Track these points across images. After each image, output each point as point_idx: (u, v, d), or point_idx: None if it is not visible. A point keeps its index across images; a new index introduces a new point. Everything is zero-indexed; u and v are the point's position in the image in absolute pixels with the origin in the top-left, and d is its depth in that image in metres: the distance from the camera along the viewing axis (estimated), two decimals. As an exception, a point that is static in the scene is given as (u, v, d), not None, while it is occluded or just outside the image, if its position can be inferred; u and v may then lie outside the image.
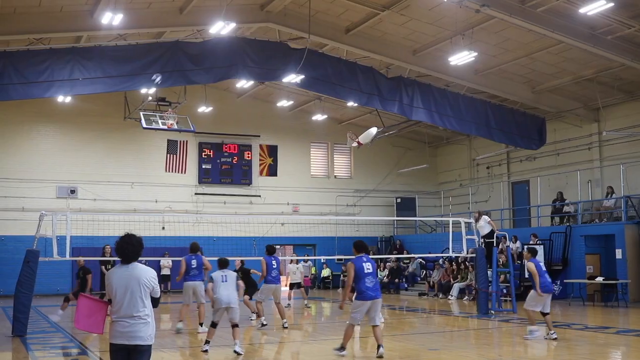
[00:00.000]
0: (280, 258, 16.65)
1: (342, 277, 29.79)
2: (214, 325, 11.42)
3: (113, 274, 5.95)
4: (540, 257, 22.06)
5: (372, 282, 10.57)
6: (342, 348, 10.73)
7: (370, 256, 11.37)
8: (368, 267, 10.64)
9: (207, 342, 11.41)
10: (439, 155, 34.01)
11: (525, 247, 14.50)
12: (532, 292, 13.01)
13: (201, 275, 14.44)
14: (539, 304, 12.84)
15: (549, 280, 13.09)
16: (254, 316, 16.09)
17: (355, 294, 10.79)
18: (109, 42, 19.66)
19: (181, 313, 14.60)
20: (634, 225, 21.11)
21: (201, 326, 14.08)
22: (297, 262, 22.28)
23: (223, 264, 11.92)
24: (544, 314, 12.97)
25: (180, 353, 12.05)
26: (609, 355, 11.77)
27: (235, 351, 11.06)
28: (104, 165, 28.01)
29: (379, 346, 10.63)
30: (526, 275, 18.82)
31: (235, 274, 11.96)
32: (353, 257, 10.90)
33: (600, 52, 20.11)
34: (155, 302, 6.01)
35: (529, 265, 13.10)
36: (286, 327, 14.59)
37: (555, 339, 12.58)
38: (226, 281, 11.52)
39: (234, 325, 11.33)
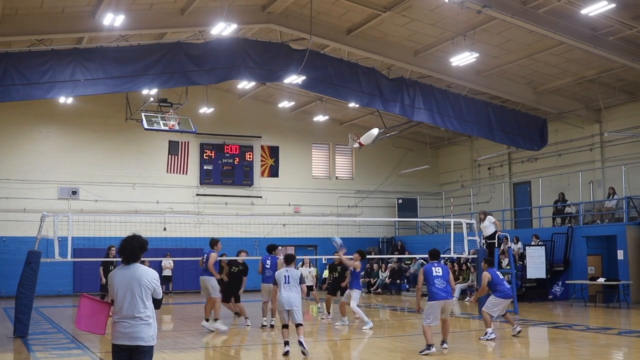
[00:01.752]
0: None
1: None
2: (285, 326, 11.10)
3: (114, 274, 5.97)
4: (541, 258, 22.14)
5: (442, 284, 11.26)
6: (429, 346, 10.96)
7: (372, 256, 11.66)
8: (437, 270, 11.38)
9: (285, 342, 10.98)
10: (440, 156, 34.00)
11: (483, 258, 15.12)
12: (491, 297, 13.42)
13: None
14: (498, 308, 13.31)
15: (508, 286, 13.62)
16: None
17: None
18: (110, 43, 19.67)
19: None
20: (636, 226, 21.08)
21: (207, 321, 14.60)
22: (310, 265, 22.25)
23: (288, 260, 11.55)
24: (503, 315, 13.67)
25: (182, 354, 12.04)
26: (611, 356, 11.75)
27: (299, 341, 10.76)
28: (105, 166, 28.03)
29: (442, 341, 11.37)
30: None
31: (299, 273, 11.33)
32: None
33: (602, 53, 20.11)
34: (157, 303, 6.02)
35: (484, 274, 13.53)
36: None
37: (520, 331, 13.32)
38: (288, 282, 11.07)
39: (298, 325, 11.01)
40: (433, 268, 11.43)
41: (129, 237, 5.99)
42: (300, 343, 10.73)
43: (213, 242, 15.11)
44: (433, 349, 10.92)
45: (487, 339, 12.81)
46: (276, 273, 11.54)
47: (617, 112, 24.70)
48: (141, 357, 5.86)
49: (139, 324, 5.82)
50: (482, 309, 13.62)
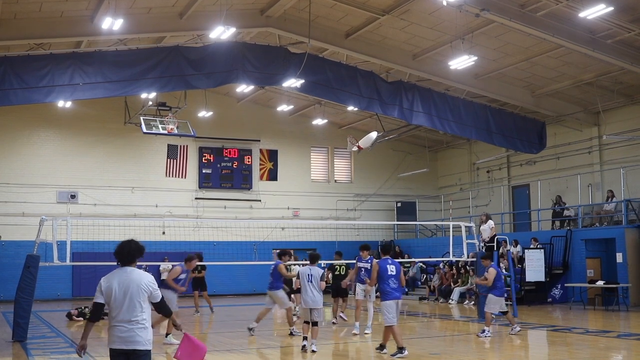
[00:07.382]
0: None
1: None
2: (307, 323, 11.89)
3: (111, 278, 5.97)
4: (540, 261, 22.14)
5: (395, 283, 11.24)
6: (400, 349, 11.02)
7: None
8: (392, 269, 11.33)
9: (304, 337, 11.96)
10: (439, 160, 34.00)
11: (482, 255, 15.74)
12: (490, 296, 14.02)
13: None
14: (497, 306, 14.05)
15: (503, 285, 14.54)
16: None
17: (380, 295, 11.50)
18: (109, 47, 19.67)
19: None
20: (635, 229, 21.08)
21: (166, 337, 13.31)
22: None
23: (313, 259, 12.20)
24: (504, 313, 14.42)
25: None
26: (610, 359, 11.74)
27: (312, 350, 11.69)
28: (104, 170, 28.01)
29: (381, 345, 11.50)
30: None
31: (321, 271, 11.98)
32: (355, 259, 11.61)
33: (600, 56, 20.12)
34: (163, 308, 6.10)
35: (491, 270, 14.11)
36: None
37: (519, 331, 14.23)
38: (311, 281, 11.83)
39: (313, 324, 11.81)
40: (388, 266, 11.27)
41: (126, 241, 6.07)
42: (313, 351, 11.71)
43: (189, 259, 13.70)
44: (406, 352, 10.95)
45: (485, 337, 13.51)
46: (300, 270, 12.30)
47: (616, 115, 24.73)
48: (138, 362, 5.86)
49: (135, 328, 5.83)
50: (485, 309, 14.06)
